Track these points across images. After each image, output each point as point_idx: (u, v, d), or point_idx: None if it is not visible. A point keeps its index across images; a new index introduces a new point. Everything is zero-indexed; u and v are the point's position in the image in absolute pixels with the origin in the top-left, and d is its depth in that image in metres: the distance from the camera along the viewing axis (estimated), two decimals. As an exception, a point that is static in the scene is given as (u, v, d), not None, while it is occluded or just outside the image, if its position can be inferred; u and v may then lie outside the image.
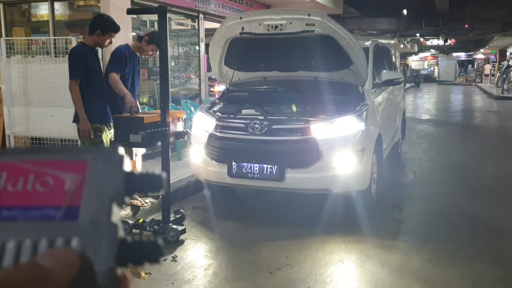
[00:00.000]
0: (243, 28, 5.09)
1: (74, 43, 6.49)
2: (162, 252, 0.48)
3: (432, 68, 48.13)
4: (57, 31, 7.48)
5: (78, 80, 4.37)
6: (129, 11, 4.23)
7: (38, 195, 0.48)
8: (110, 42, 4.58)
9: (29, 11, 7.87)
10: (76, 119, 4.49)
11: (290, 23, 4.93)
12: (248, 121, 4.80)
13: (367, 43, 6.24)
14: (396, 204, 5.49)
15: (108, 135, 4.52)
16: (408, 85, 33.71)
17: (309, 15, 4.85)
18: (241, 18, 5.06)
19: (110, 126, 4.54)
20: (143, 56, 5.12)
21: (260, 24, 5.01)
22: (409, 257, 4.04)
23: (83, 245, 0.44)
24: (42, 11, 7.71)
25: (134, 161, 5.08)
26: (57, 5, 7.49)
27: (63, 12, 7.67)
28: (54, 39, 7.03)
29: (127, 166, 0.54)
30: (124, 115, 4.44)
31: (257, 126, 4.73)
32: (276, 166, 4.61)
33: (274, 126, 4.72)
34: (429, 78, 42.07)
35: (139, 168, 5.19)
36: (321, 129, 4.70)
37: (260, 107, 5.24)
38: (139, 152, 5.07)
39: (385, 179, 6.37)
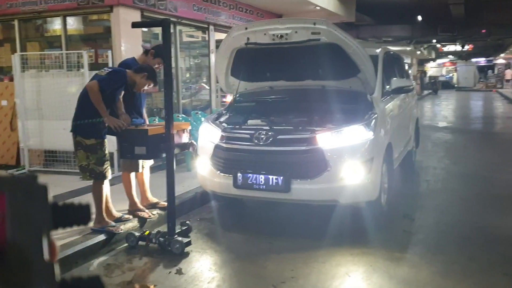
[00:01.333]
0: (248, 39, 5.08)
1: (85, 57, 6.59)
2: (90, 215, 0.49)
3: (450, 75, 47.45)
4: (70, 45, 7.59)
5: (98, 87, 4.35)
6: (134, 25, 4.25)
7: None
8: (158, 69, 4.77)
9: (42, 26, 8.02)
10: (77, 130, 4.46)
11: (296, 32, 4.90)
12: (253, 132, 4.77)
13: (377, 51, 6.16)
14: (407, 214, 5.38)
15: (107, 148, 4.54)
16: (425, 92, 33.34)
17: (314, 23, 4.82)
18: (246, 28, 5.05)
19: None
20: None
21: (265, 34, 4.99)
22: (418, 270, 3.93)
23: None
24: (55, 25, 7.84)
25: (142, 173, 5.09)
26: (69, 19, 7.61)
27: (75, 27, 7.79)
28: (67, 53, 7.14)
29: (50, 197, 0.50)
30: (129, 127, 4.45)
31: (262, 136, 4.69)
32: (282, 177, 4.56)
33: (279, 136, 4.68)
34: (447, 85, 41.47)
35: (147, 180, 5.19)
36: (327, 139, 4.64)
37: (267, 117, 5.21)
38: (146, 163, 5.08)
39: (397, 189, 6.26)
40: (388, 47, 6.81)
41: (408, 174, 7.30)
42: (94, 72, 6.81)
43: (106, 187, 4.62)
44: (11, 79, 7.53)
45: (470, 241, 4.61)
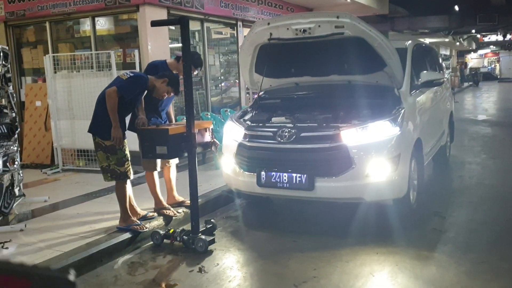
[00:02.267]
0: (271, 34, 5.03)
1: (113, 57, 6.69)
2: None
3: (493, 66, 45.84)
4: (99, 46, 7.74)
5: (117, 93, 4.35)
6: (153, 23, 4.26)
7: None
8: (163, 96, 4.68)
9: (72, 28, 8.21)
10: (95, 132, 4.50)
11: (319, 26, 4.80)
12: (276, 130, 4.72)
13: (407, 44, 5.99)
14: (437, 212, 5.21)
15: (127, 148, 4.56)
16: (466, 84, 32.32)
17: (337, 17, 4.71)
18: (268, 24, 4.99)
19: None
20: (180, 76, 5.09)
21: (288, 29, 4.92)
22: (446, 270, 3.79)
23: None
24: (85, 26, 8.00)
25: (169, 171, 5.13)
26: (98, 20, 7.75)
27: (104, 27, 7.93)
28: (96, 54, 7.28)
29: None
30: (150, 127, 4.48)
31: (285, 134, 4.64)
32: (305, 175, 4.50)
33: (302, 134, 4.61)
34: (489, 76, 40.06)
35: (173, 178, 5.23)
36: (352, 136, 4.54)
37: (291, 114, 5.14)
38: (172, 162, 5.11)
39: (429, 186, 6.07)
40: (424, 39, 6.60)
41: (442, 170, 7.08)
42: (122, 72, 6.97)
43: (128, 186, 4.68)
44: (44, 80, 7.75)
45: (501, 240, 4.43)
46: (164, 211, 4.98)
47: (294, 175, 4.54)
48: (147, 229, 4.59)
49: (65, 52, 7.91)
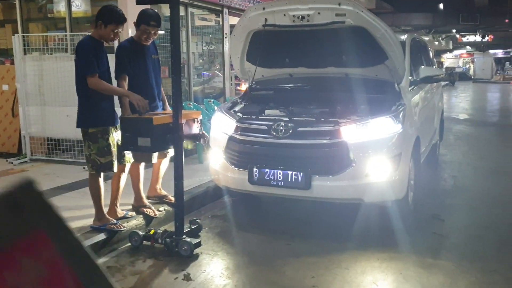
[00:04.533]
0: (266, 20, 4.64)
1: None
2: None
3: (467, 66, 46.52)
4: (74, 27, 7.19)
5: (96, 74, 3.89)
6: (138, 2, 3.80)
7: None
8: (116, 36, 4.09)
9: (45, 7, 7.61)
10: (81, 124, 4.07)
11: (319, 13, 4.44)
12: (271, 123, 4.34)
13: (403, 37, 5.72)
14: (436, 214, 4.94)
15: (114, 137, 4.10)
16: (442, 83, 32.57)
17: (339, 4, 4.35)
18: (264, 8, 4.60)
19: (117, 128, 4.13)
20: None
21: (285, 15, 4.54)
22: (454, 280, 3.50)
23: None
24: (59, 6, 7.43)
25: (160, 161, 4.68)
26: (74, 0, 7.20)
27: (80, 8, 7.37)
28: (71, 35, 6.75)
29: None
30: (132, 115, 4.02)
31: (281, 128, 4.26)
32: (302, 173, 4.14)
33: (300, 129, 4.25)
34: (464, 76, 40.56)
35: (163, 170, 4.79)
36: (352, 132, 4.21)
37: (285, 107, 4.77)
38: (170, 152, 4.58)
39: (423, 186, 5.81)
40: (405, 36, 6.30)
41: (433, 169, 6.83)
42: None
43: (122, 179, 4.28)
44: (13, 62, 7.16)
45: (508, 246, 4.18)
46: (144, 209, 4.54)
47: (289, 172, 4.17)
48: (124, 229, 4.15)
49: (37, 33, 7.32)
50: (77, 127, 4.04)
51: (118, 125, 4.08)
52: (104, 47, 4.10)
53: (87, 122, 3.99)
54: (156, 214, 4.56)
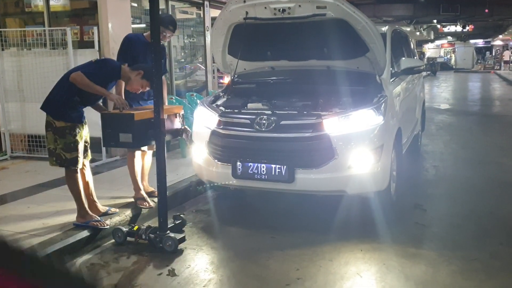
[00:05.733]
0: (247, 13, 4.61)
1: (69, 34, 6.09)
2: None
3: (448, 56, 46.96)
4: (53, 22, 7.07)
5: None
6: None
7: None
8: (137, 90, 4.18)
9: (23, 1, 7.46)
10: (47, 108, 3.99)
11: (299, 6, 4.43)
12: (254, 117, 4.33)
13: (384, 29, 5.74)
14: (418, 204, 5.00)
15: (82, 134, 4.05)
16: (424, 73, 32.84)
17: (320, -4, 4.34)
18: (244, 1, 4.56)
19: (85, 122, 4.10)
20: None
21: (266, 8, 4.52)
22: (436, 269, 3.55)
23: None
24: (37, 0, 7.29)
25: (144, 157, 4.69)
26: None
27: (59, 2, 7.24)
28: (50, 30, 6.64)
29: None
30: (113, 111, 3.98)
31: (264, 122, 4.26)
32: (285, 166, 4.16)
33: (282, 122, 4.25)
34: (445, 66, 40.98)
35: (147, 166, 4.83)
36: (334, 125, 4.23)
37: (268, 101, 4.77)
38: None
39: (405, 176, 5.87)
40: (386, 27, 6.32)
41: (415, 160, 6.91)
42: (80, 51, 6.37)
43: (88, 175, 4.26)
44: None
45: (489, 234, 4.24)
46: (138, 202, 4.58)
47: (273, 166, 4.18)
48: (108, 226, 4.13)
49: (14, 28, 7.18)
50: (45, 111, 3.97)
51: (85, 121, 4.08)
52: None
53: (59, 114, 3.93)
54: (151, 206, 4.60)
